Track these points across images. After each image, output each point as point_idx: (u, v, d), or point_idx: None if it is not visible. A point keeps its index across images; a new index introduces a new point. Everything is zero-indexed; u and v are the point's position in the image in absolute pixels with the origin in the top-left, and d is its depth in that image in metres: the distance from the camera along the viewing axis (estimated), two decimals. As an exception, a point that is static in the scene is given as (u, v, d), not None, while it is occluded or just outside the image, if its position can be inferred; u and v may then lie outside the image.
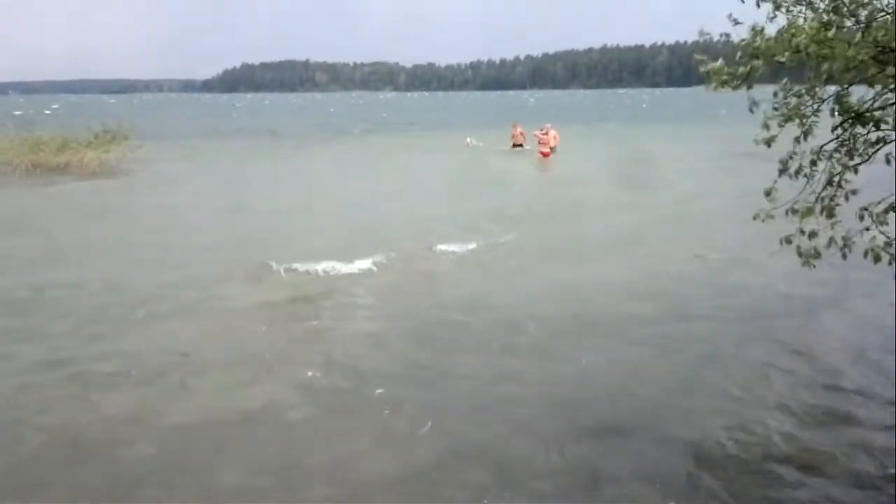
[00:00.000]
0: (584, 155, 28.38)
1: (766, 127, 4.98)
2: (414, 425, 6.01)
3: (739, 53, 4.79)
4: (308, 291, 9.76)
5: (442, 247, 12.09)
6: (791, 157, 5.11)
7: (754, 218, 5.19)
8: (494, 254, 11.93)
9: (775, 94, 4.97)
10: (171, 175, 23.09)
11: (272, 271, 10.49)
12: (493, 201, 17.08)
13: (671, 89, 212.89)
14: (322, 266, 10.56)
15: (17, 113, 61.44)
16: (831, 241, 5.10)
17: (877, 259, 4.95)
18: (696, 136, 36.01)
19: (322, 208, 16.75)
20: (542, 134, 28.09)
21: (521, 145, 30.19)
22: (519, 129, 30.93)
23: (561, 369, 7.26)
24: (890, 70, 4.42)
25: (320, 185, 21.27)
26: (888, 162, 4.81)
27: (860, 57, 4.29)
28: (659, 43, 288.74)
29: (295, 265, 10.63)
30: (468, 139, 33.43)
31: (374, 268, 10.78)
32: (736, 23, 4.74)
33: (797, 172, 5.10)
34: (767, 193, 5.14)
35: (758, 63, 4.68)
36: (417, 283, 10.36)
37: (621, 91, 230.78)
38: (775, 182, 5.12)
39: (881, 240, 4.96)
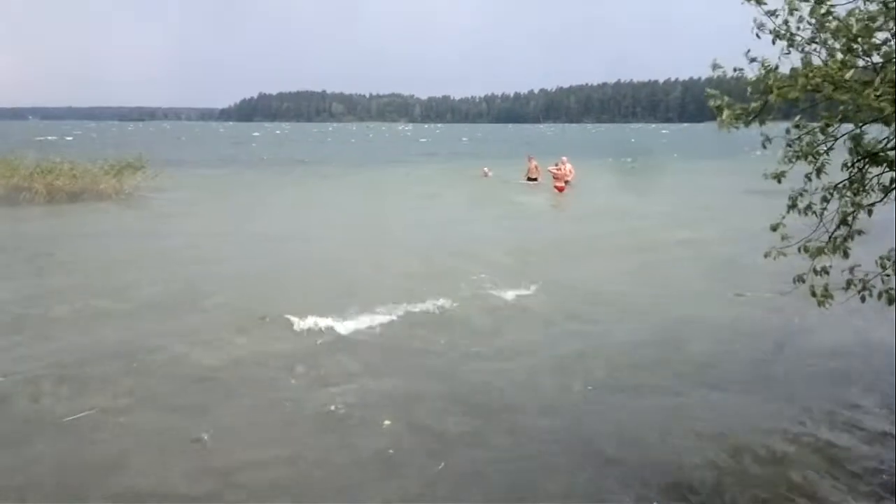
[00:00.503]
0: (604, 191, 28.14)
1: (787, 161, 4.97)
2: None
3: (750, 90, 4.78)
4: (318, 341, 8.91)
5: (465, 292, 11.20)
6: (801, 194, 5.09)
7: (766, 255, 5.15)
8: (521, 300, 11.00)
9: (788, 131, 4.96)
10: (186, 203, 23.12)
11: (285, 316, 9.50)
12: (514, 239, 16.64)
13: (686, 124, 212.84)
14: (333, 315, 9.56)
15: (39, 139, 62.14)
16: (850, 283, 5.03)
17: (890, 301, 4.89)
18: (722, 171, 35.36)
19: (341, 242, 16.10)
20: (557, 168, 28.13)
21: (535, 179, 30.35)
22: (534, 163, 31.06)
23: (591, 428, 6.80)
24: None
25: (339, 216, 20.95)
26: None
27: (877, 97, 4.26)
28: (673, 79, 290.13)
29: (310, 312, 9.58)
30: (486, 169, 34.16)
31: (395, 314, 9.89)
32: (752, 60, 4.73)
33: (806, 209, 5.08)
34: (774, 229, 5.11)
35: (772, 99, 4.66)
36: (435, 331, 9.47)
37: (635, 125, 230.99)
38: (783, 217, 5.11)
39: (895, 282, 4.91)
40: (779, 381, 7.80)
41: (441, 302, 10.46)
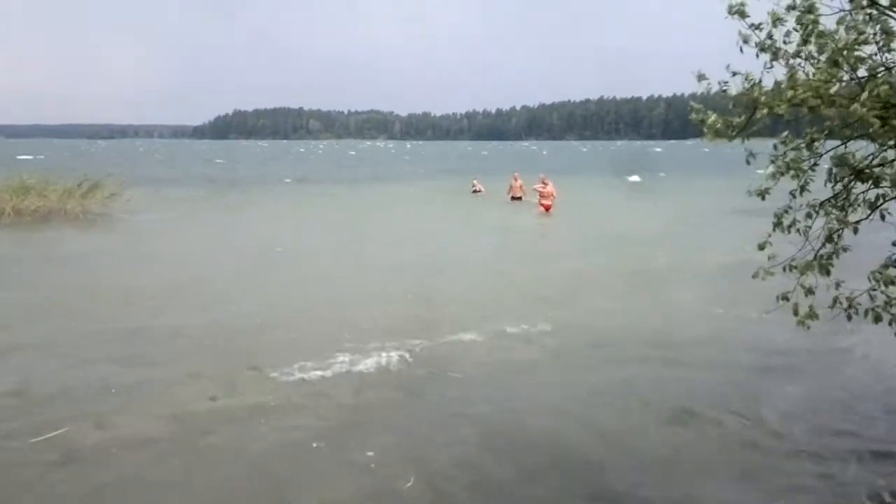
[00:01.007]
0: (612, 212, 27.41)
1: (771, 177, 4.96)
2: None
3: (732, 104, 4.77)
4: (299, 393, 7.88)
5: (460, 328, 10.14)
6: (786, 211, 5.08)
7: (754, 276, 5.12)
8: (524, 342, 9.84)
9: (775, 147, 4.94)
10: (160, 225, 22.72)
11: (269, 368, 8.49)
12: (510, 266, 15.75)
13: (672, 141, 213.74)
14: (318, 360, 8.67)
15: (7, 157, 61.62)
16: (836, 301, 5.02)
17: (876, 319, 4.89)
18: (725, 189, 34.44)
19: (328, 271, 14.89)
20: (542, 187, 27.44)
21: (519, 198, 30.19)
22: (519, 182, 30.87)
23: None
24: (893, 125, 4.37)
25: (325, 241, 19.77)
26: (883, 218, 4.79)
27: (863, 112, 4.26)
28: (656, 95, 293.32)
29: (292, 357, 8.69)
30: (475, 182, 34.70)
31: (384, 357, 8.92)
32: (734, 74, 4.72)
33: (790, 227, 5.07)
34: (761, 248, 5.09)
35: (758, 114, 4.64)
36: (429, 377, 8.44)
37: (619, 142, 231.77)
38: (769, 236, 5.09)
39: (881, 300, 4.90)
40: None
41: (430, 342, 9.54)
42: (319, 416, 7.28)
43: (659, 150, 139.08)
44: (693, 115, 4.84)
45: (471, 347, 9.51)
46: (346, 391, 7.94)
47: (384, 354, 9.01)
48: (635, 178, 45.89)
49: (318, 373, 8.34)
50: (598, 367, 8.84)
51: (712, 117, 4.75)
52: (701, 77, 4.79)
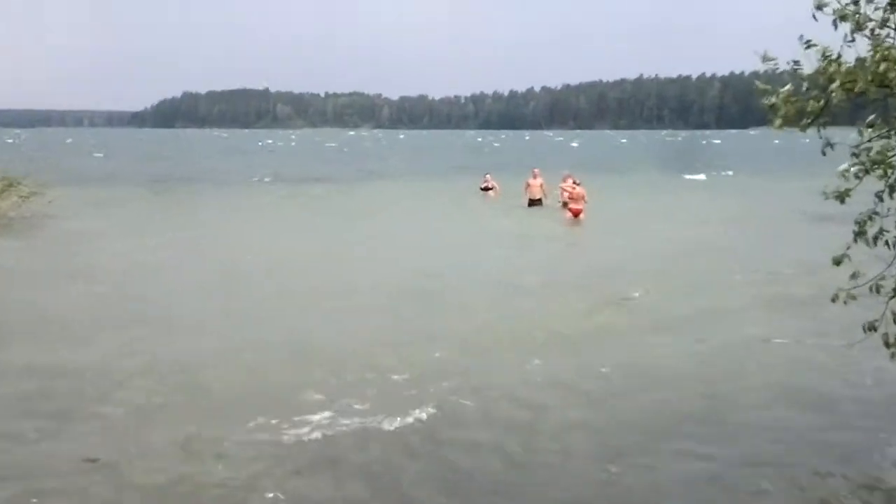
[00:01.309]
0: (653, 219, 25.91)
1: (844, 177, 4.90)
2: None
3: (806, 85, 4.72)
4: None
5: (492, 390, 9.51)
6: (871, 218, 5.00)
7: (833, 300, 5.07)
8: (549, 388, 9.51)
9: (860, 133, 4.86)
10: (85, 234, 22.16)
11: (219, 423, 8.27)
12: (528, 289, 15.23)
13: (733, 131, 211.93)
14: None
15: None
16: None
17: None
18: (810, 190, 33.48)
19: (306, 306, 13.88)
20: (571, 187, 26.66)
21: (539, 200, 29.09)
22: (540, 181, 29.49)
23: None
24: None
25: (302, 264, 18.37)
26: None
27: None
28: (709, 74, 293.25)
29: (251, 414, 8.38)
30: (489, 178, 33.90)
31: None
32: (808, 45, 4.67)
33: (877, 238, 5.01)
34: (837, 263, 5.03)
35: (835, 93, 4.59)
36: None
37: (664, 132, 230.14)
38: (848, 248, 5.02)
39: None
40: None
41: (427, 391, 9.26)
42: (280, 490, 6.97)
43: (718, 141, 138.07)
44: (765, 100, 4.77)
45: (478, 395, 9.26)
46: (318, 455, 7.69)
47: (369, 403, 8.77)
48: (700, 176, 45.34)
49: (284, 429, 8.10)
50: (646, 417, 8.62)
51: (787, 87, 4.69)
52: (766, 58, 4.75)
